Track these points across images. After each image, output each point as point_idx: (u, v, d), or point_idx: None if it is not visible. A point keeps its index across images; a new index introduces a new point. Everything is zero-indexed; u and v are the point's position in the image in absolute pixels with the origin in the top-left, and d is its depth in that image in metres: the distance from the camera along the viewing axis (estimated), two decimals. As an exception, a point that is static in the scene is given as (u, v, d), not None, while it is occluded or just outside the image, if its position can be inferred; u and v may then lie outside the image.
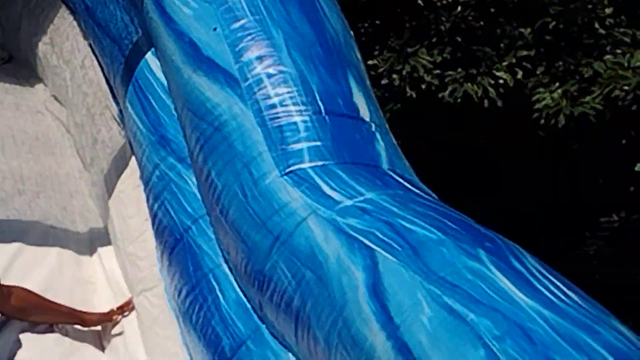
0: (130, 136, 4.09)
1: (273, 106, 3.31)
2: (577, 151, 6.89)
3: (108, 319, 3.77)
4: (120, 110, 4.20)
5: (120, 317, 3.78)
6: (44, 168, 4.63)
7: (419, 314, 2.66)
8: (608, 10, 6.12)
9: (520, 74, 5.89)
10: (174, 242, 3.63)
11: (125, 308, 3.77)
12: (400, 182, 3.22)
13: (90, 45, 4.52)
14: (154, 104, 3.88)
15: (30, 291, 3.54)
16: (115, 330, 3.91)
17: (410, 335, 2.63)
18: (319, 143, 3.23)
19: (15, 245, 4.27)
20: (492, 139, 6.62)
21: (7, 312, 3.43)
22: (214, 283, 3.42)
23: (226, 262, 3.42)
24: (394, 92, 5.53)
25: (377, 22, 6.31)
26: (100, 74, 4.41)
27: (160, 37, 3.77)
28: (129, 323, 3.91)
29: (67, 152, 4.76)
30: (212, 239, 3.48)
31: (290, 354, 3.09)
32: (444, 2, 6.20)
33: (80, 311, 3.65)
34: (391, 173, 3.26)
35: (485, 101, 5.85)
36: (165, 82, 3.84)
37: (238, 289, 3.35)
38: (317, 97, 3.31)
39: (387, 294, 2.75)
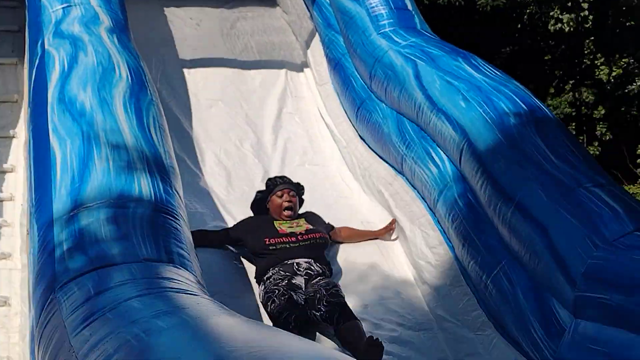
0: (316, 26, 3.81)
1: (373, 7, 3.26)
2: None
3: (387, 231, 2.90)
4: (311, 15, 3.86)
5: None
6: (280, 40, 4.09)
7: (435, 83, 2.77)
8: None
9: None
10: (335, 64, 3.58)
11: (393, 225, 2.89)
12: (425, 34, 3.22)
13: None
14: (325, 10, 3.68)
15: (350, 228, 2.91)
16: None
17: (431, 90, 2.77)
18: (392, 20, 3.21)
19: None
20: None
21: (338, 240, 2.85)
22: (352, 79, 3.41)
23: (357, 70, 3.40)
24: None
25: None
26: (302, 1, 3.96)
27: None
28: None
29: (291, 33, 4.13)
30: (351, 63, 3.44)
31: (383, 104, 3.17)
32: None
33: (373, 231, 2.91)
34: (422, 30, 3.25)
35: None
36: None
37: (360, 79, 3.35)
38: (391, 4, 3.25)
39: (422, 79, 2.83)
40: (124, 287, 1.54)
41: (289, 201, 2.73)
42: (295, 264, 2.51)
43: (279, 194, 2.75)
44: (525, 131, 2.38)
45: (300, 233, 2.64)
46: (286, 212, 2.72)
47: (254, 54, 4.02)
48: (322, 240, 2.68)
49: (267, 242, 2.57)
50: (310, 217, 2.83)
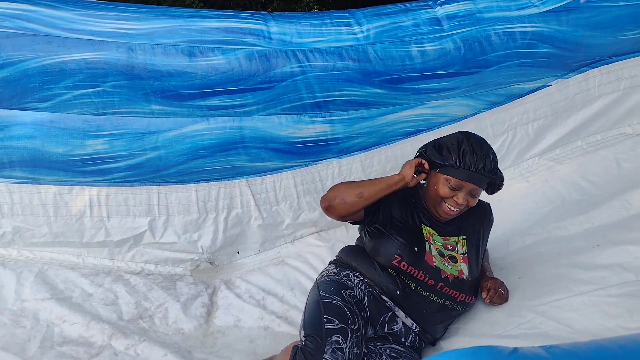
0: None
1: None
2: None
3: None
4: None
5: None
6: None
7: None
8: None
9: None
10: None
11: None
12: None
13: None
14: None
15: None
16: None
17: None
18: None
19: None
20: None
21: None
22: None
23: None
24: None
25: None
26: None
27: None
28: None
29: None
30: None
31: None
32: None
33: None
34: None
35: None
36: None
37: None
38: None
39: None
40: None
41: (462, 204, 1.65)
42: (394, 313, 1.62)
43: (452, 182, 1.65)
44: None
45: (447, 278, 1.62)
46: (445, 212, 1.67)
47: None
48: (462, 309, 1.68)
49: (394, 263, 1.62)
50: (473, 231, 1.75)
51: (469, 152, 1.63)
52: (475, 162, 1.61)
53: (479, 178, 1.63)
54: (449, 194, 1.64)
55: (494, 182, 1.71)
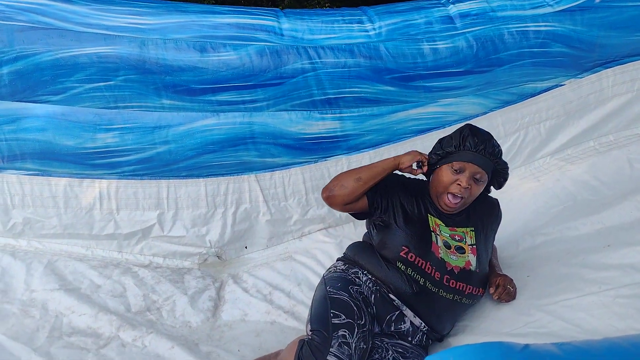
0: None
1: None
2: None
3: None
4: None
5: None
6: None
7: None
8: None
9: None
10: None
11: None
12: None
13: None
14: None
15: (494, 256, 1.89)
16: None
17: None
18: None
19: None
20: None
21: None
22: None
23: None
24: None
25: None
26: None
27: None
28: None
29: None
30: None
31: None
32: None
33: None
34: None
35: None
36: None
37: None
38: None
39: None
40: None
41: (465, 187, 1.64)
42: (401, 312, 1.61)
43: (455, 164, 1.66)
44: None
45: (452, 270, 1.61)
46: (446, 204, 1.67)
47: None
48: (470, 302, 1.66)
49: (402, 255, 1.61)
50: (482, 224, 1.74)
51: (469, 135, 1.67)
52: (476, 143, 1.65)
53: (482, 160, 1.65)
54: (453, 179, 1.65)
55: (498, 170, 1.70)
